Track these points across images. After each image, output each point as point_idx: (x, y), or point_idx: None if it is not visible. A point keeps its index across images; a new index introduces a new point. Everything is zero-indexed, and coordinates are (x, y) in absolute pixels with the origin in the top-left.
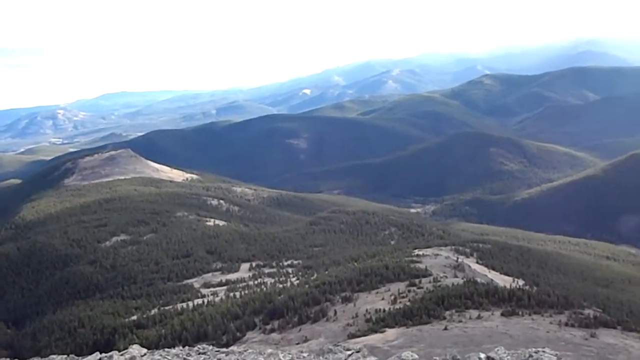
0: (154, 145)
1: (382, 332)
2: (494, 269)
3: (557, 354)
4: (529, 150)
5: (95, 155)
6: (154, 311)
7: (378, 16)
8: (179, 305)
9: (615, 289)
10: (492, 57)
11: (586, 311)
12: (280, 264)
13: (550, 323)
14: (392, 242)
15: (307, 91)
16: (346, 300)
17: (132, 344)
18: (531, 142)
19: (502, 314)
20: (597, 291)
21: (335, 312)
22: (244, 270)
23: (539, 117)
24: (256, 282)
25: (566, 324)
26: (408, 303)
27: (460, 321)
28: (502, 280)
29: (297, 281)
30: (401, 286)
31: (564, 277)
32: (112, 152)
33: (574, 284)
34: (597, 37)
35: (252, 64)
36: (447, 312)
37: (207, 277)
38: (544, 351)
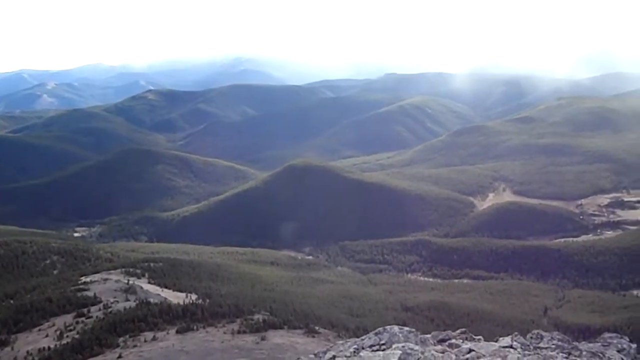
0: None
1: None
2: (166, 287)
3: None
4: (196, 165)
5: None
6: None
7: (29, 25)
8: None
9: (280, 291)
10: (155, 72)
11: (256, 316)
12: None
13: (224, 333)
14: (55, 272)
15: None
16: (2, 344)
17: None
18: (197, 157)
19: (178, 331)
20: (265, 295)
21: None
22: None
23: (204, 133)
24: None
25: (239, 332)
26: (77, 336)
27: (135, 346)
28: (176, 297)
29: None
30: (68, 318)
31: (235, 286)
32: None
33: (244, 291)
34: (254, 56)
35: None
36: (121, 339)
37: None
38: None
